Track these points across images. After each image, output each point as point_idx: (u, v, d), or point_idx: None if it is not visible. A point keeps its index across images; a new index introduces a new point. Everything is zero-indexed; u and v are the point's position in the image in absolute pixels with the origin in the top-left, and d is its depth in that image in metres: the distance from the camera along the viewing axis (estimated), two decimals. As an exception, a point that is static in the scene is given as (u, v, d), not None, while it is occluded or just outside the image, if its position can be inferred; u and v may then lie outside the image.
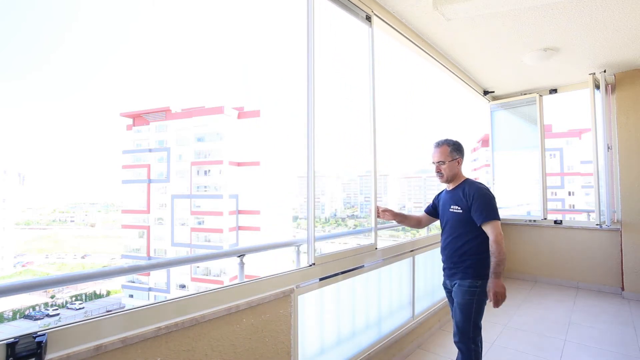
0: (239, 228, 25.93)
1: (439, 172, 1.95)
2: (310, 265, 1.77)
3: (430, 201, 2.22)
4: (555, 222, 4.27)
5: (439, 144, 1.94)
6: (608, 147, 3.78)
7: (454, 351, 2.53)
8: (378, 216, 2.19)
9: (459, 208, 1.87)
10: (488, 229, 1.76)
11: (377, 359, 2.25)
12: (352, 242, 2.22)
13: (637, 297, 3.61)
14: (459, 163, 1.95)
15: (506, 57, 3.33)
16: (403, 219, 2.24)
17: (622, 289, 3.74)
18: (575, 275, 4.12)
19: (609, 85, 3.82)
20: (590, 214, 4.60)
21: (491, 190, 1.89)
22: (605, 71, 3.62)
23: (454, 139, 1.96)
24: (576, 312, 3.32)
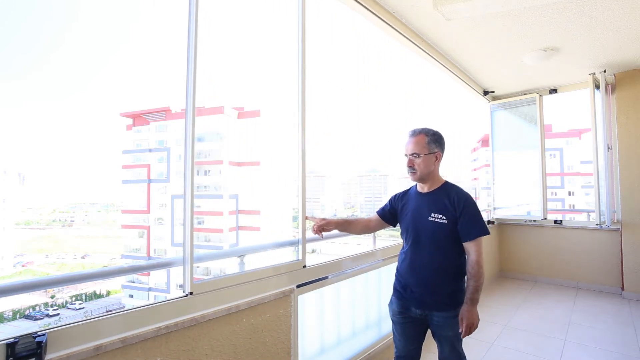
0: (239, 228, 25.97)
1: (411, 167, 1.55)
2: (186, 295, 1.26)
3: (389, 201, 1.76)
4: (555, 222, 4.27)
5: (415, 133, 1.55)
6: (608, 147, 3.78)
7: (454, 351, 2.53)
8: (315, 232, 1.65)
9: (444, 218, 1.48)
10: (472, 246, 1.45)
11: (377, 359, 2.25)
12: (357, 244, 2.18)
13: (637, 297, 3.61)
14: (438, 159, 1.55)
15: (506, 57, 3.33)
16: (347, 226, 1.78)
17: (622, 289, 3.73)
18: (575, 275, 4.12)
19: (609, 85, 3.82)
20: (590, 214, 4.60)
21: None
22: (605, 71, 3.62)
23: (435, 129, 1.58)
24: (576, 312, 3.32)
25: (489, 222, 4.41)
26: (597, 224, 3.74)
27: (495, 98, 4.60)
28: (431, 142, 1.53)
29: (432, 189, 1.57)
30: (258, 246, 1.66)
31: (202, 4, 1.40)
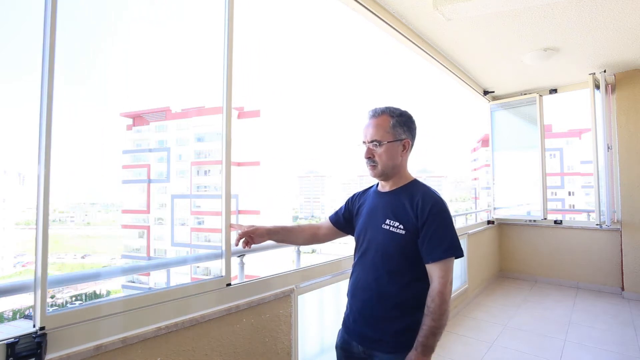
0: (239, 228, 25.97)
1: (369, 158, 1.15)
2: (35, 336, 0.90)
3: (352, 204, 1.36)
4: (555, 222, 4.27)
5: (376, 113, 1.16)
6: (608, 147, 3.78)
7: (454, 351, 2.53)
8: (237, 243, 1.30)
9: (402, 227, 1.09)
10: (436, 271, 1.05)
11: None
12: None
13: (637, 297, 3.61)
14: (406, 149, 1.16)
15: (506, 57, 3.33)
16: (286, 235, 1.38)
17: (622, 289, 3.74)
18: (575, 275, 4.13)
19: (609, 85, 3.82)
20: (590, 214, 4.61)
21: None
22: (605, 71, 3.62)
23: (403, 108, 1.18)
24: (576, 312, 3.32)
25: (489, 222, 4.41)
26: (597, 224, 3.74)
27: (495, 98, 4.60)
28: (397, 125, 1.13)
29: (394, 188, 1.18)
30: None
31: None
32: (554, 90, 4.23)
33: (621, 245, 3.75)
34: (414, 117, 1.20)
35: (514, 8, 2.35)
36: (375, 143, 1.13)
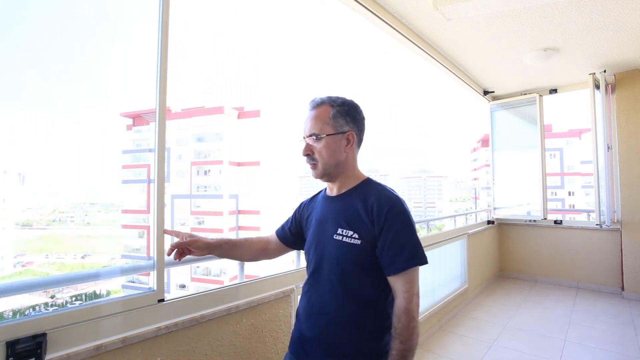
0: (239, 228, 25.97)
1: (308, 155, 1.00)
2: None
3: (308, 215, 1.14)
4: (555, 222, 4.27)
5: (315, 104, 1.01)
6: (608, 147, 3.78)
7: (454, 351, 2.54)
8: (169, 253, 1.13)
9: (355, 235, 0.93)
10: (399, 284, 0.90)
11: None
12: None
13: (637, 297, 3.61)
14: (351, 143, 1.00)
15: (506, 57, 3.34)
16: (231, 250, 1.20)
17: (622, 289, 3.74)
18: (575, 275, 4.13)
19: (609, 85, 3.82)
20: (590, 214, 4.61)
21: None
22: (605, 71, 3.62)
23: (347, 97, 1.03)
24: (576, 312, 3.32)
25: (489, 222, 4.41)
26: (597, 224, 3.74)
27: (495, 98, 4.60)
28: (338, 115, 0.98)
29: (344, 191, 1.02)
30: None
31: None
32: (554, 90, 4.23)
33: (621, 245, 3.75)
34: (361, 107, 1.04)
35: (514, 8, 2.35)
36: (313, 137, 0.98)
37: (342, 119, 0.98)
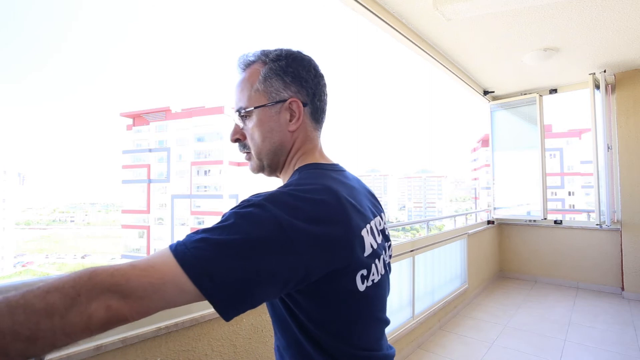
0: (239, 228, 26.03)
1: (238, 140, 0.69)
2: None
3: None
4: (555, 222, 4.27)
5: (245, 64, 0.66)
6: (608, 147, 3.78)
7: (454, 351, 2.54)
8: None
9: None
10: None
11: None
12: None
13: (637, 297, 3.61)
14: (297, 115, 0.64)
15: (506, 57, 3.34)
16: None
17: (622, 289, 3.74)
18: (575, 275, 4.13)
19: (609, 85, 3.82)
20: (590, 214, 4.61)
21: (319, 190, 0.54)
22: (605, 71, 3.62)
23: (292, 48, 0.67)
24: (576, 312, 3.32)
25: (489, 222, 4.41)
26: (597, 224, 3.74)
27: (495, 98, 4.60)
28: (271, 75, 0.63)
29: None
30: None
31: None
32: (554, 90, 4.23)
33: (621, 245, 3.75)
34: (313, 60, 0.67)
35: (514, 8, 2.35)
36: (242, 113, 0.65)
37: (279, 80, 0.63)
